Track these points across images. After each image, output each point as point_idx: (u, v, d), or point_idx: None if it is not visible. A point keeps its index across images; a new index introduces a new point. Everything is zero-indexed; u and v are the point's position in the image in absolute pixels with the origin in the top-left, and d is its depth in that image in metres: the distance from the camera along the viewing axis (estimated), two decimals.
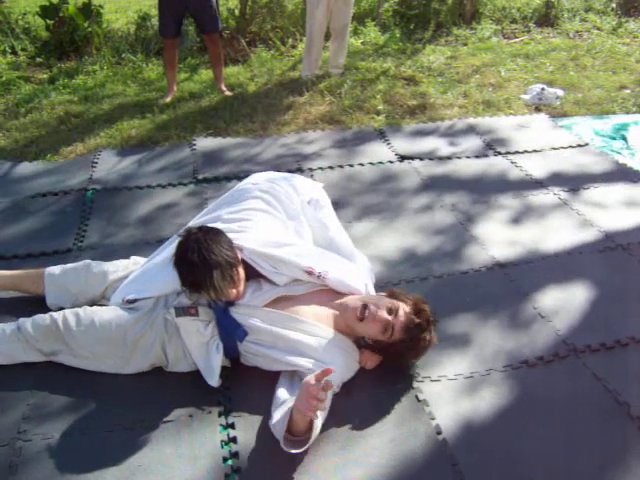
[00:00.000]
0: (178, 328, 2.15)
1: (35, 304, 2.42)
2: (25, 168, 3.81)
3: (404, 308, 2.12)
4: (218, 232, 2.15)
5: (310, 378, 1.80)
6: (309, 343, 2.10)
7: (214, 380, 2.09)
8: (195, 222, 2.54)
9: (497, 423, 2.04)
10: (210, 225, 2.27)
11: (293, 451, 1.83)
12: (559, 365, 2.29)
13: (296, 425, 1.83)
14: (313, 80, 5.16)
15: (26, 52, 6.01)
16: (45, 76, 5.55)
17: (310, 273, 2.24)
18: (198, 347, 2.14)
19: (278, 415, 1.89)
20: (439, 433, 1.99)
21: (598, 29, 7.10)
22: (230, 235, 2.20)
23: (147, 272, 2.34)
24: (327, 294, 2.28)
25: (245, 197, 2.52)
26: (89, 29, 5.98)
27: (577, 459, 1.92)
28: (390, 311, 2.10)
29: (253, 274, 2.25)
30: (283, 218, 2.48)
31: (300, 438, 1.84)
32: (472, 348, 2.36)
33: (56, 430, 1.98)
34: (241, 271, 2.15)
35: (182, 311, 2.14)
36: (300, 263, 2.23)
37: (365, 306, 2.10)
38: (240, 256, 2.18)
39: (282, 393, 2.01)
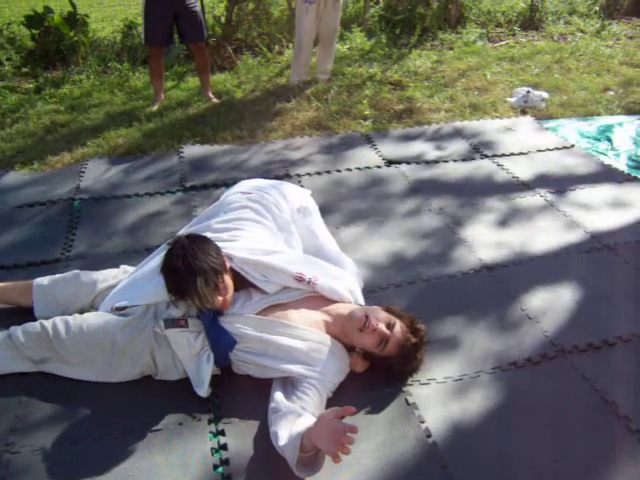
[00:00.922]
0: (168, 340, 2.15)
1: (24, 315, 2.40)
2: (12, 178, 3.79)
3: (401, 325, 2.16)
4: (205, 240, 2.16)
5: (332, 416, 1.73)
6: (300, 348, 2.10)
7: (203, 391, 2.09)
8: (184, 232, 2.54)
9: (486, 425, 2.05)
10: (199, 233, 2.27)
11: (306, 477, 1.80)
12: (547, 366, 2.30)
13: (305, 448, 1.77)
14: (300, 86, 5.18)
15: (11, 62, 5.99)
16: (31, 86, 5.54)
17: (300, 280, 2.24)
18: (189, 358, 2.14)
19: (285, 435, 1.81)
20: (429, 436, 2.00)
21: (582, 32, 7.17)
22: (220, 244, 2.21)
23: (136, 280, 2.34)
24: (316, 301, 2.28)
25: (235, 207, 2.52)
26: (75, 38, 5.96)
27: (566, 459, 1.93)
28: (388, 325, 2.12)
29: (243, 284, 2.25)
30: (273, 228, 2.48)
31: (309, 454, 1.79)
32: (461, 351, 2.37)
33: (45, 441, 1.97)
34: (227, 279, 2.14)
35: (172, 323, 2.14)
36: (290, 269, 2.24)
37: (367, 317, 2.12)
38: (230, 265, 2.18)
39: (280, 397, 2.00)
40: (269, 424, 1.95)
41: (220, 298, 2.11)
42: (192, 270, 2.02)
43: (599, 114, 4.71)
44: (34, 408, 2.10)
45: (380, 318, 2.14)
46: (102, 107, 4.95)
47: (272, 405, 1.99)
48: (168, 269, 2.07)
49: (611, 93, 5.18)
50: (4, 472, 1.86)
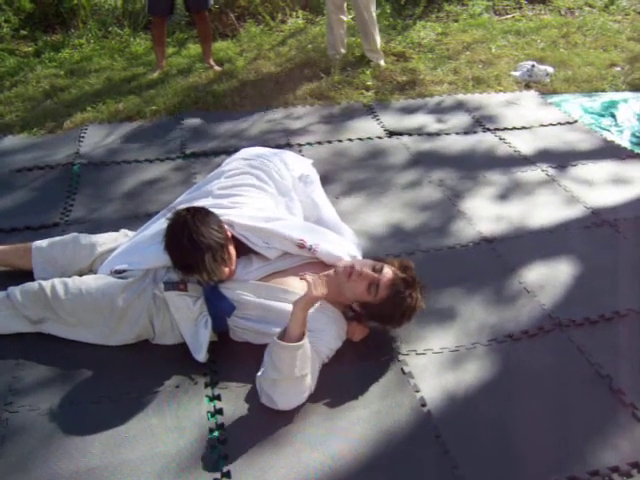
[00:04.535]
0: (167, 303, 2.15)
1: (23, 278, 2.38)
2: (10, 142, 3.76)
3: (389, 267, 2.14)
4: (206, 212, 2.13)
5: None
6: None
7: (201, 356, 2.10)
8: (185, 197, 2.54)
9: (481, 396, 2.06)
10: (199, 203, 2.26)
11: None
12: (543, 339, 2.31)
13: (288, 335, 1.91)
14: (302, 56, 5.09)
15: (10, 24, 5.87)
16: (30, 49, 5.46)
17: (301, 246, 2.24)
18: (187, 322, 2.14)
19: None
20: (423, 405, 2.01)
21: (590, 6, 7.05)
22: (221, 211, 2.20)
23: (137, 245, 2.34)
24: (316, 267, 2.27)
25: (236, 173, 2.52)
26: (75, 1, 5.85)
27: (559, 430, 1.95)
28: (374, 269, 2.11)
29: (244, 250, 2.25)
30: (274, 194, 2.47)
31: (292, 344, 1.89)
32: (458, 322, 2.38)
33: (43, 401, 1.98)
34: (232, 250, 2.15)
35: (171, 286, 2.14)
36: (292, 236, 2.23)
37: (352, 265, 2.12)
38: (230, 232, 2.18)
39: None
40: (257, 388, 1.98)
41: (226, 270, 2.11)
42: (199, 248, 2.01)
43: (604, 90, 4.66)
44: (32, 369, 2.11)
45: (365, 264, 2.14)
46: (102, 72, 4.89)
47: (262, 370, 1.99)
48: (173, 247, 2.06)
49: (617, 69, 5.11)
50: (3, 430, 1.89)
